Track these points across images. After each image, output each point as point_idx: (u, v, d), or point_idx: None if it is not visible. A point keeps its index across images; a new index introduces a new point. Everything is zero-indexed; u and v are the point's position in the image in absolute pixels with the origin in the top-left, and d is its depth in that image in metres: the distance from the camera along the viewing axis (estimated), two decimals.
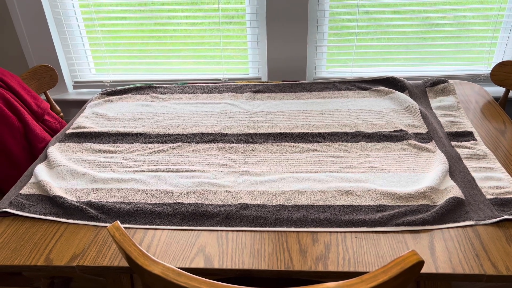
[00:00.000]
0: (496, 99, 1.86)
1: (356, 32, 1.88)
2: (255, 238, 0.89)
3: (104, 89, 1.57)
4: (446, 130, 1.24)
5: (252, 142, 1.22)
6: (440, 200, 0.95)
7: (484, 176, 1.03)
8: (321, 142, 1.20)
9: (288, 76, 1.97)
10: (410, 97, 1.42)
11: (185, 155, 1.18)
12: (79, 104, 2.10)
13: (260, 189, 1.02)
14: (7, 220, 0.98)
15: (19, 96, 1.42)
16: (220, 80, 2.01)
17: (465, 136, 1.20)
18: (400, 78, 1.49)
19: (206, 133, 1.27)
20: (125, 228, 0.94)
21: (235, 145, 1.21)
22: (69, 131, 1.31)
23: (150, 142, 1.24)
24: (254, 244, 0.88)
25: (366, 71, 1.98)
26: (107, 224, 0.95)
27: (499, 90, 1.89)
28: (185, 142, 1.23)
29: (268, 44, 1.89)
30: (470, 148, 1.15)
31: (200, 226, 0.93)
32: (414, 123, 1.26)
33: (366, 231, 0.89)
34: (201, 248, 0.87)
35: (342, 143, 1.19)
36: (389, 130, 1.23)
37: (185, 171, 1.10)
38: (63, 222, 0.96)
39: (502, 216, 0.91)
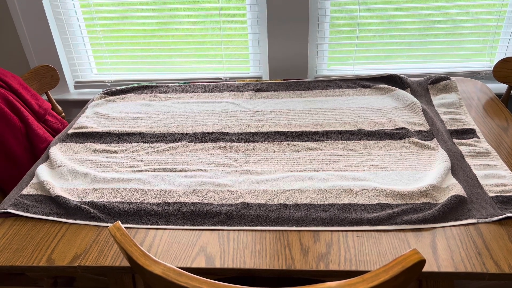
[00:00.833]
0: (499, 96, 1.85)
1: (357, 29, 1.87)
2: (256, 237, 0.89)
3: (105, 89, 1.57)
4: (448, 128, 1.23)
5: (253, 141, 1.21)
6: (442, 198, 0.95)
7: (486, 174, 1.02)
8: (323, 140, 1.20)
9: (289, 75, 1.97)
10: (412, 94, 1.41)
11: (186, 154, 1.18)
12: (81, 104, 2.10)
13: (261, 188, 1.02)
14: (9, 220, 0.98)
15: (20, 96, 1.42)
16: (221, 79, 2.01)
17: (467, 133, 1.19)
18: (402, 76, 1.49)
19: (207, 132, 1.27)
20: (127, 228, 0.94)
21: (236, 144, 1.21)
22: (70, 131, 1.32)
23: (151, 142, 1.24)
24: (256, 243, 0.88)
25: (368, 68, 1.97)
26: (109, 224, 0.95)
27: (502, 87, 1.88)
28: (186, 142, 1.23)
29: (269, 43, 1.89)
30: (472, 145, 1.14)
31: (202, 225, 0.93)
32: (416, 121, 1.26)
33: (367, 230, 0.89)
34: (203, 247, 0.87)
35: (344, 141, 1.19)
36: (391, 128, 1.23)
37: (186, 171, 1.10)
38: (65, 222, 0.97)
39: (505, 214, 0.90)
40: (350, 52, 1.93)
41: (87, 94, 2.08)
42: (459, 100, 1.36)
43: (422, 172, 1.05)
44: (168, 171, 1.11)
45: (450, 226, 0.89)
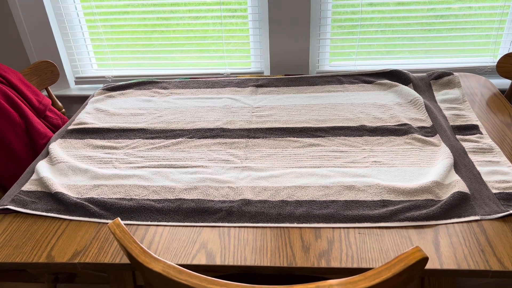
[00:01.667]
0: (502, 91, 1.84)
1: (359, 24, 1.85)
2: (257, 234, 0.89)
3: (105, 85, 1.56)
4: (451, 124, 1.22)
5: (254, 137, 1.21)
6: (445, 195, 0.94)
7: (489, 170, 1.01)
8: (324, 136, 1.19)
9: (290, 70, 1.96)
10: (414, 90, 1.40)
11: (186, 150, 1.17)
12: (81, 100, 2.10)
13: (262, 185, 1.01)
14: (9, 217, 0.98)
15: (20, 92, 1.42)
16: (222, 74, 2.00)
17: (470, 129, 1.18)
18: (404, 71, 1.47)
19: (208, 128, 1.26)
20: (127, 224, 0.94)
21: (237, 140, 1.20)
22: (70, 127, 1.31)
23: (152, 138, 1.24)
24: (256, 240, 0.87)
25: (370, 64, 1.96)
26: (109, 221, 0.94)
27: (505, 82, 1.86)
28: (187, 138, 1.22)
29: (271, 38, 1.87)
30: (475, 141, 1.13)
31: (202, 222, 0.92)
32: (418, 117, 1.25)
33: (369, 227, 0.88)
34: (203, 244, 0.87)
35: (345, 137, 1.18)
36: (393, 124, 1.22)
37: (187, 167, 1.10)
38: (64, 219, 0.96)
39: (508, 210, 0.89)
40: (352, 48, 1.92)
41: (87, 89, 2.07)
42: (462, 95, 1.35)
43: (424, 168, 1.04)
44: (168, 167, 1.10)
45: (453, 223, 0.88)
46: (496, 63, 1.49)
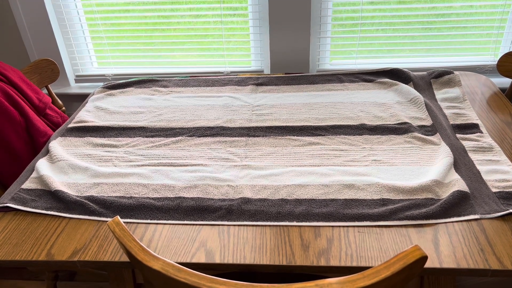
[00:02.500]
0: (503, 90, 1.83)
1: (360, 23, 1.85)
2: (256, 232, 0.89)
3: (106, 83, 1.56)
4: (451, 122, 1.22)
5: (254, 136, 1.21)
6: (445, 194, 0.94)
7: (489, 169, 1.01)
8: (324, 135, 1.19)
9: (291, 69, 1.95)
10: (414, 89, 1.40)
11: (186, 149, 1.17)
12: (81, 98, 2.10)
13: (262, 183, 1.01)
14: (9, 215, 0.98)
15: (20, 90, 1.42)
16: (222, 73, 2.00)
17: (471, 128, 1.18)
18: (405, 70, 1.47)
19: (208, 127, 1.26)
20: (126, 223, 0.94)
21: (237, 138, 1.20)
22: (70, 125, 1.31)
23: (152, 136, 1.24)
24: (256, 238, 0.87)
25: (370, 62, 1.95)
26: (109, 219, 0.94)
27: (506, 81, 1.86)
28: (187, 136, 1.22)
29: (271, 36, 1.87)
30: (475, 140, 1.13)
31: (202, 220, 0.92)
32: (418, 116, 1.25)
33: (369, 225, 0.88)
34: (203, 243, 0.87)
35: (345, 136, 1.18)
36: (393, 123, 1.22)
37: (187, 165, 1.10)
38: (64, 217, 0.96)
39: (508, 210, 0.89)
40: (353, 46, 1.91)
41: (87, 88, 2.07)
42: (462, 94, 1.35)
43: (424, 167, 1.04)
44: (168, 165, 1.10)
45: (452, 222, 0.88)
46: (496, 62, 1.48)
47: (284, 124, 1.24)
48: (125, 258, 0.84)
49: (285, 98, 1.40)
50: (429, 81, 1.45)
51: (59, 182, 1.06)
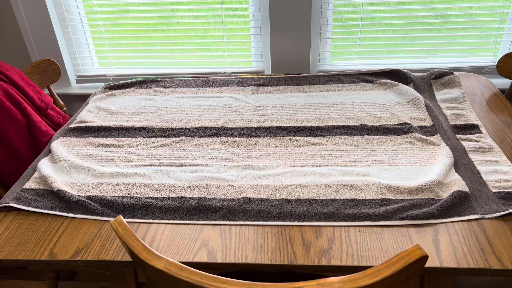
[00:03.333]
0: (503, 91, 1.84)
1: (360, 24, 1.86)
2: (258, 232, 0.89)
3: (107, 83, 1.57)
4: (451, 123, 1.23)
5: (255, 136, 1.21)
6: (445, 194, 0.95)
7: (489, 169, 1.02)
8: (325, 135, 1.19)
9: (291, 69, 1.96)
10: (415, 89, 1.40)
11: (188, 149, 1.17)
12: (82, 98, 2.10)
13: (263, 183, 1.02)
14: (11, 214, 0.98)
15: (22, 90, 1.42)
16: (223, 73, 2.00)
17: (471, 129, 1.19)
18: (405, 71, 1.48)
19: (209, 127, 1.26)
20: (129, 222, 0.94)
21: (238, 139, 1.20)
22: (72, 125, 1.31)
23: (153, 136, 1.24)
24: (257, 238, 0.87)
25: (371, 63, 1.96)
26: (111, 219, 0.95)
27: (506, 82, 1.87)
28: (188, 136, 1.23)
29: (272, 37, 1.87)
30: (475, 141, 1.13)
31: (203, 220, 0.93)
32: (418, 116, 1.25)
33: (369, 225, 0.89)
34: (204, 242, 0.87)
35: (346, 136, 1.18)
36: (394, 123, 1.22)
37: (188, 165, 1.10)
38: (66, 217, 0.97)
39: (508, 210, 0.90)
40: (353, 47, 1.92)
41: (88, 88, 2.08)
42: (462, 95, 1.35)
43: (424, 167, 1.04)
44: (170, 165, 1.11)
45: (452, 221, 0.89)
46: (496, 63, 1.49)
47: (285, 125, 1.25)
48: (127, 258, 0.85)
49: (286, 98, 1.40)
50: (429, 82, 1.46)
51: (61, 182, 1.06)
